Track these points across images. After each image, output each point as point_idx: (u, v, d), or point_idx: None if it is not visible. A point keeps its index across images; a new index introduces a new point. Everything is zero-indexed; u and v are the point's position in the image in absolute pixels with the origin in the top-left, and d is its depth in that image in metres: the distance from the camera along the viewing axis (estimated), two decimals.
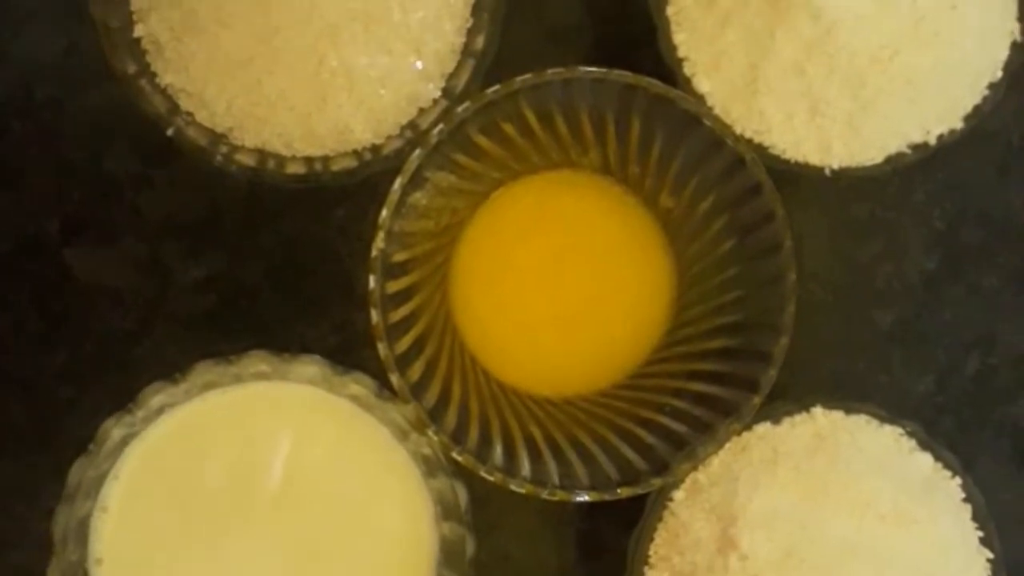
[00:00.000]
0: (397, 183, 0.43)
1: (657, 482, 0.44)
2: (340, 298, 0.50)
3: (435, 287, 0.48)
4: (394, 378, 0.43)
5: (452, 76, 0.48)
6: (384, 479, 0.47)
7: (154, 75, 0.48)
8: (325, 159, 0.48)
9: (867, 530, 0.44)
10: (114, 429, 0.46)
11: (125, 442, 0.46)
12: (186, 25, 0.47)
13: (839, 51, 0.45)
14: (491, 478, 0.44)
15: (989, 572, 0.46)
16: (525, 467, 0.44)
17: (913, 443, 0.47)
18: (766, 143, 0.47)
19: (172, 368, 0.46)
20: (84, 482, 0.45)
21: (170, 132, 0.47)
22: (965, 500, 0.47)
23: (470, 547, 0.47)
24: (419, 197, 0.44)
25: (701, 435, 0.44)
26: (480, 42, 0.48)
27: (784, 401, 0.47)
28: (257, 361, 0.47)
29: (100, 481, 0.46)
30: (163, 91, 0.48)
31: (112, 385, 0.47)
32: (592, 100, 0.45)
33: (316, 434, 0.47)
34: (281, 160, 0.48)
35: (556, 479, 0.44)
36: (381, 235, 0.43)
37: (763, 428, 0.47)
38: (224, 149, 0.48)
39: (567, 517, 0.50)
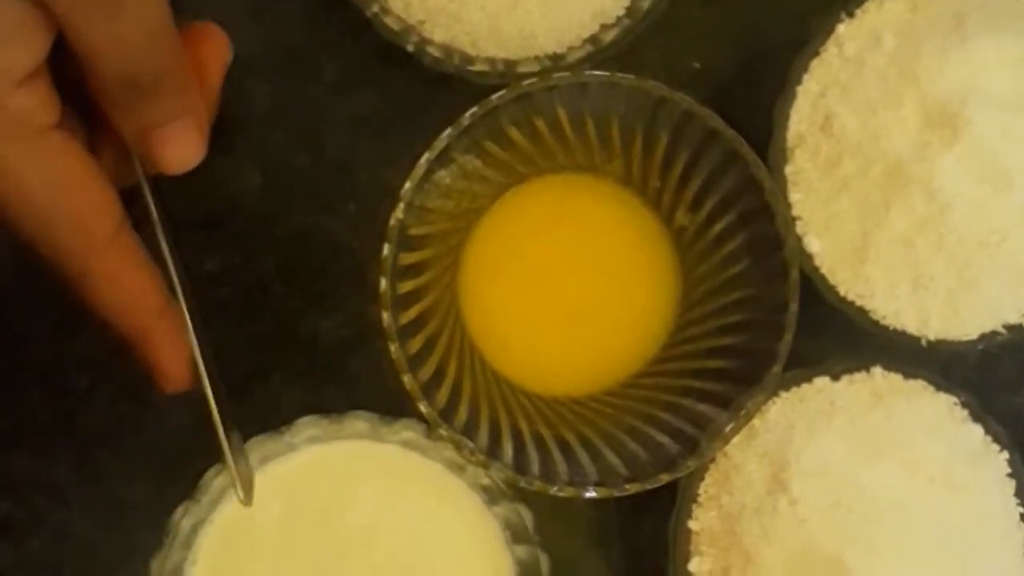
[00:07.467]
0: (424, 157, 0.43)
1: (665, 477, 0.44)
2: (353, 291, 0.51)
3: (445, 270, 0.48)
4: (406, 378, 0.43)
5: None
6: (448, 513, 0.48)
7: None
8: (507, 62, 0.49)
9: (916, 490, 0.45)
10: (183, 520, 0.47)
11: (195, 530, 0.48)
12: None
13: (950, 232, 0.45)
14: (501, 476, 0.44)
15: None
16: (534, 465, 0.45)
17: (966, 413, 0.47)
18: (867, 307, 0.47)
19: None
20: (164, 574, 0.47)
21: (369, 13, 0.48)
22: (1010, 476, 0.47)
23: (545, 565, 0.48)
24: (443, 175, 0.45)
25: (704, 433, 0.44)
26: None
27: (845, 357, 0.48)
28: (308, 427, 0.48)
29: (178, 571, 0.47)
30: None
31: (128, 374, 0.46)
32: (625, 108, 0.45)
33: (373, 484, 0.48)
34: (466, 57, 0.49)
35: (565, 476, 0.44)
36: (401, 206, 0.44)
37: (821, 381, 0.47)
38: (415, 39, 0.48)
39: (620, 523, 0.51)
